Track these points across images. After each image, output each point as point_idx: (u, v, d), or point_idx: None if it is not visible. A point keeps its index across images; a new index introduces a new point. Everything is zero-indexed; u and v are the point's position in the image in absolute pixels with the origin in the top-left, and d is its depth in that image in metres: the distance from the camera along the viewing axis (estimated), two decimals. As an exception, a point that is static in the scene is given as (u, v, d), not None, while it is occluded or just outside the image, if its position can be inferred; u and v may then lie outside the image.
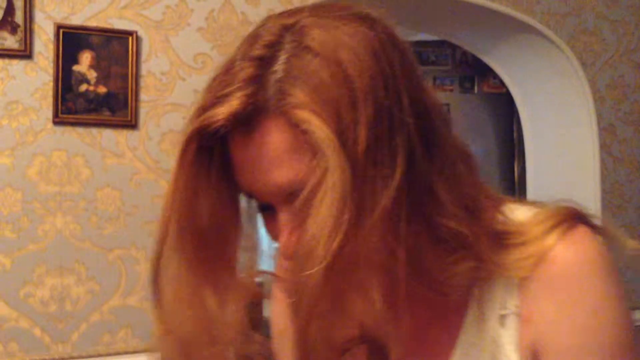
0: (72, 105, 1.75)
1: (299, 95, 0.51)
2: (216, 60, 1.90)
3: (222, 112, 0.52)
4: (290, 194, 0.54)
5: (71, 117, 1.75)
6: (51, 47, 1.73)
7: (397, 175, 0.52)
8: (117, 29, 1.80)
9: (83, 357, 1.73)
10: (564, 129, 2.43)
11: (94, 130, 1.78)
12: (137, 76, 1.81)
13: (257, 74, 0.53)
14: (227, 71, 0.54)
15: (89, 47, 1.78)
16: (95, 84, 1.78)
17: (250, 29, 1.92)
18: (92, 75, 1.78)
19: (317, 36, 0.53)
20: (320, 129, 0.50)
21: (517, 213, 0.62)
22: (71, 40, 1.75)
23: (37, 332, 1.70)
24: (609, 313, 0.58)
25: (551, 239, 0.58)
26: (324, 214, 0.50)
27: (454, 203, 0.55)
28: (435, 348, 0.63)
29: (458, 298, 0.60)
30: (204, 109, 0.54)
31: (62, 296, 1.73)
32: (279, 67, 0.52)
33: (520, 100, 2.60)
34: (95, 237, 1.77)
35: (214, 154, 0.57)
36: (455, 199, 0.56)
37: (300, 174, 0.52)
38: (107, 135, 1.79)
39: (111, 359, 1.77)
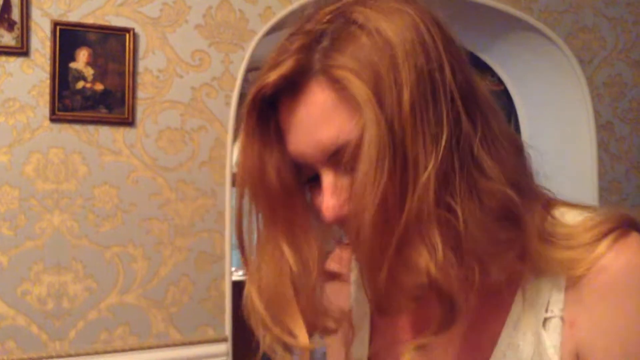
0: (69, 102, 1.75)
1: (340, 58, 0.56)
2: (214, 56, 1.90)
3: (272, 75, 0.58)
4: (333, 154, 0.58)
5: (68, 115, 1.75)
6: (48, 44, 1.73)
7: (445, 135, 0.55)
8: (114, 26, 1.79)
9: (80, 355, 1.73)
10: (561, 127, 2.43)
11: (91, 128, 1.77)
12: (134, 73, 1.81)
13: (306, 43, 0.58)
14: (281, 45, 0.60)
15: (86, 44, 1.77)
16: (92, 81, 1.78)
17: (248, 26, 1.91)
18: (89, 72, 1.77)
19: (361, 11, 0.58)
20: (358, 86, 0.54)
21: (568, 217, 0.63)
22: (68, 38, 1.75)
23: (34, 329, 1.70)
24: None
25: (603, 246, 0.59)
26: (365, 167, 0.54)
27: (499, 174, 0.58)
28: (477, 343, 0.65)
29: (504, 296, 0.62)
30: (259, 77, 0.60)
31: (59, 294, 1.73)
32: (325, 38, 0.58)
33: (518, 97, 2.60)
34: (93, 235, 1.76)
35: (270, 123, 0.62)
36: (500, 172, 0.58)
37: (342, 132, 0.57)
38: (104, 133, 1.78)
39: (109, 356, 1.76)
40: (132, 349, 1.78)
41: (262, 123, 0.62)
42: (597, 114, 2.38)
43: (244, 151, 0.63)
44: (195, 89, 1.88)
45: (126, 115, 1.80)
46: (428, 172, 0.54)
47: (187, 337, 1.85)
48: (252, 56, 1.95)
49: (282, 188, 0.63)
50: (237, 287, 3.89)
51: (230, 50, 1.92)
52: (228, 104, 1.92)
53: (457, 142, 0.56)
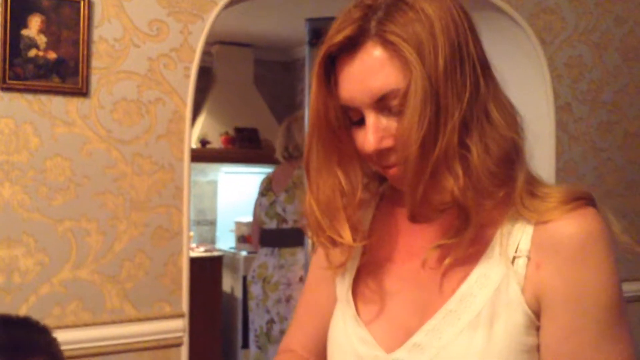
0: (20, 71, 1.69)
1: (392, 26, 0.74)
2: (172, 27, 1.85)
3: (338, 37, 0.76)
4: (379, 99, 0.76)
5: (19, 84, 1.69)
6: (-3, 9, 1.66)
7: (467, 93, 0.75)
8: (68, -8, 1.73)
9: (32, 330, 1.69)
10: (521, 106, 2.44)
11: (43, 98, 1.72)
12: (89, 42, 1.75)
13: (365, 14, 0.76)
14: (345, 14, 0.78)
15: (39, 10, 1.71)
16: (45, 50, 1.72)
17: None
18: (41, 40, 1.71)
19: None
20: (406, 49, 0.73)
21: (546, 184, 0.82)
22: (20, 3, 1.68)
23: (-17, 304, 1.65)
24: (607, 275, 0.74)
25: (570, 205, 0.76)
26: (412, 110, 0.72)
27: (504, 127, 0.77)
28: (458, 270, 0.80)
29: (486, 234, 0.79)
30: (328, 38, 0.78)
31: (10, 268, 1.68)
32: (380, 11, 0.76)
33: (480, 77, 2.60)
34: (45, 208, 1.72)
35: (331, 75, 0.80)
36: (504, 126, 0.77)
37: (389, 82, 0.75)
38: (57, 103, 1.73)
39: (61, 332, 1.72)
40: (85, 325, 1.75)
41: (326, 75, 0.80)
42: (556, 94, 2.40)
43: (313, 97, 0.81)
44: (153, 60, 1.83)
45: (80, 86, 1.74)
46: (455, 120, 0.73)
47: (143, 312, 1.82)
48: (212, 28, 1.91)
49: (337, 125, 0.81)
50: (201, 263, 3.85)
51: (189, 20, 1.87)
52: (187, 76, 1.88)
53: (476, 99, 0.76)
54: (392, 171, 0.79)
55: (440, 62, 0.73)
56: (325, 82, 0.80)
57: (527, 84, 2.42)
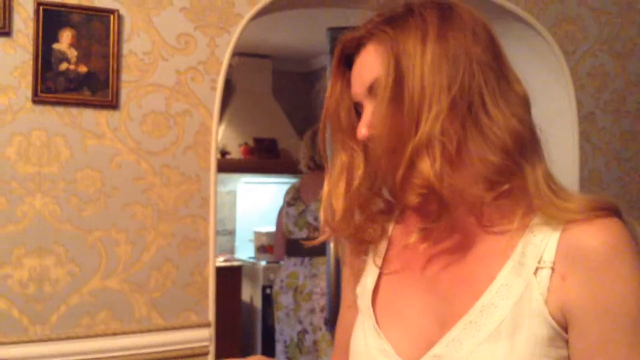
0: (51, 84, 1.72)
1: (387, 27, 0.81)
2: (199, 40, 1.88)
3: (349, 36, 0.86)
4: (368, 89, 0.82)
5: (51, 97, 1.72)
6: (31, 24, 1.70)
7: (457, 86, 0.77)
8: (98, 7, 1.77)
9: (62, 339, 1.72)
10: (544, 117, 2.44)
11: (74, 110, 1.75)
12: (119, 56, 1.78)
13: (376, 20, 0.84)
14: (365, 22, 0.85)
15: (70, 25, 1.75)
16: (76, 63, 1.75)
17: (234, 10, 1.89)
18: (72, 54, 1.75)
19: (425, 10, 0.82)
20: (390, 36, 0.80)
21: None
22: (51, 18, 1.72)
23: (15, 313, 1.68)
24: (635, 286, 0.73)
25: (596, 213, 0.75)
26: (380, 98, 0.79)
27: (504, 120, 0.78)
28: (478, 278, 0.80)
29: (509, 243, 0.78)
30: (341, 37, 0.87)
31: (41, 278, 1.71)
32: (391, 17, 0.82)
33: (502, 87, 2.60)
34: (75, 219, 1.75)
35: (345, 75, 0.88)
36: (504, 118, 0.78)
37: (374, 72, 0.81)
38: (88, 116, 1.76)
39: (90, 341, 1.76)
40: (114, 334, 1.77)
41: (342, 75, 0.87)
42: (579, 104, 2.40)
43: (327, 92, 0.87)
44: (181, 73, 1.86)
45: (110, 98, 1.77)
46: (437, 109, 0.76)
47: (170, 322, 1.84)
48: (238, 40, 1.93)
49: (348, 122, 0.87)
50: (220, 273, 3.84)
51: (216, 34, 1.90)
52: (213, 88, 1.90)
53: (468, 91, 0.77)
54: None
55: (428, 57, 0.77)
56: (341, 80, 0.87)
57: (550, 93, 2.42)
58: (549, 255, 0.76)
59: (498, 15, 2.36)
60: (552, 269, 0.76)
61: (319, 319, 3.19)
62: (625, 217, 0.78)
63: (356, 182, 0.86)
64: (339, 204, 0.86)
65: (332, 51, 2.75)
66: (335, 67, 0.87)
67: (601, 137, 2.45)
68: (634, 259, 0.74)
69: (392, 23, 0.81)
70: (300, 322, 3.27)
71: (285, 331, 3.37)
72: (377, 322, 0.86)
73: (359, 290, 0.93)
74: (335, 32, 2.73)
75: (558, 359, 0.75)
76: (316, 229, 3.29)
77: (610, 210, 0.77)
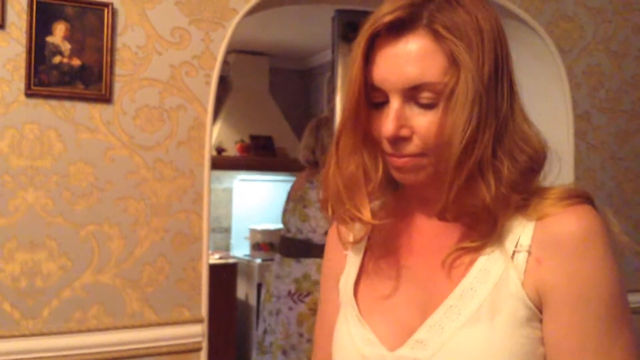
0: (45, 77, 1.71)
1: (446, 22, 0.75)
2: (194, 34, 1.87)
3: (389, 17, 0.77)
4: (411, 88, 0.76)
5: (44, 90, 1.71)
6: (24, 17, 1.69)
7: (505, 107, 0.77)
8: (92, 0, 1.76)
9: (54, 334, 1.71)
10: (540, 115, 2.44)
11: (67, 104, 1.74)
12: (112, 49, 1.78)
13: (419, 2, 0.77)
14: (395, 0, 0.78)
15: (63, 18, 1.74)
16: (69, 56, 1.74)
17: (229, 4, 1.89)
18: (66, 47, 1.74)
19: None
20: (459, 46, 0.74)
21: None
22: (45, 11, 1.71)
23: (6, 307, 1.67)
24: (607, 271, 0.75)
25: (568, 201, 0.78)
26: (461, 109, 0.74)
27: (530, 140, 0.80)
28: (459, 265, 0.81)
29: (487, 228, 0.79)
30: (377, 17, 0.78)
31: (33, 272, 1.70)
32: (434, 3, 0.77)
33: (498, 85, 2.60)
34: (67, 213, 1.74)
35: (368, 54, 0.80)
36: (530, 138, 0.80)
37: (428, 74, 0.75)
38: (81, 109, 1.75)
39: (82, 335, 1.75)
40: (106, 329, 1.77)
41: (365, 58, 0.79)
42: (575, 103, 2.40)
43: (356, 71, 0.79)
44: (175, 67, 1.85)
45: (103, 92, 1.77)
46: (492, 130, 0.76)
47: (163, 317, 1.83)
48: (233, 35, 1.93)
49: (366, 103, 0.81)
50: (215, 270, 3.81)
51: (211, 28, 1.90)
52: (208, 83, 1.90)
53: (511, 113, 0.78)
54: (403, 161, 0.80)
55: (486, 70, 0.75)
56: (365, 65, 0.80)
57: (545, 92, 2.42)
58: (526, 240, 0.78)
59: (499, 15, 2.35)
60: (529, 252, 0.78)
61: (274, 322, 3.14)
62: (599, 206, 0.80)
63: (374, 185, 0.85)
64: (364, 206, 0.84)
65: (345, 36, 2.66)
66: (364, 47, 0.79)
67: (596, 136, 2.45)
68: (606, 244, 0.76)
69: (446, 15, 0.76)
70: (264, 320, 3.26)
71: (259, 327, 3.37)
72: (360, 312, 0.87)
73: (341, 283, 0.94)
74: (345, 15, 2.67)
75: (536, 339, 0.77)
76: (288, 229, 3.26)
77: (584, 198, 0.79)
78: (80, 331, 1.74)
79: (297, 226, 3.20)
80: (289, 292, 3.09)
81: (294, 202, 3.21)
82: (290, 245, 3.20)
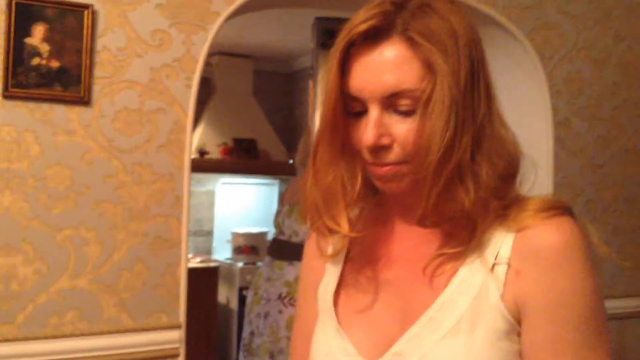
0: (23, 79, 1.69)
1: (420, 28, 0.75)
2: (175, 37, 1.86)
3: (363, 26, 0.76)
4: (390, 96, 0.76)
5: (22, 92, 1.69)
6: (3, 18, 1.66)
7: (481, 111, 0.77)
8: (72, 1, 1.74)
9: (29, 340, 1.69)
10: (520, 121, 2.46)
11: (45, 106, 1.72)
12: (92, 51, 1.76)
13: (392, 10, 0.77)
14: (369, 7, 0.78)
15: (43, 19, 1.72)
16: (48, 58, 1.72)
17: (211, 7, 1.88)
18: (44, 48, 1.72)
19: (437, 2, 0.78)
20: (434, 53, 0.74)
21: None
22: (24, 12, 1.69)
23: (-20, 312, 1.64)
24: (585, 283, 0.75)
25: (548, 213, 0.77)
26: (438, 115, 0.74)
27: (508, 144, 0.80)
28: (435, 278, 0.81)
29: (467, 234, 0.79)
30: (351, 26, 0.77)
31: (8, 276, 1.68)
32: (407, 11, 0.76)
33: (480, 91, 2.61)
34: (44, 216, 1.71)
35: (344, 64, 0.79)
36: (511, 144, 0.80)
37: (405, 81, 0.75)
38: (59, 112, 1.73)
39: (58, 341, 1.72)
40: (82, 334, 1.74)
41: (341, 66, 0.79)
42: (555, 109, 2.41)
43: (332, 81, 0.79)
44: (155, 70, 1.84)
45: (82, 94, 1.75)
46: (469, 134, 0.75)
47: (140, 323, 1.82)
48: (215, 39, 1.91)
49: (343, 113, 0.80)
50: (196, 274, 3.78)
51: (192, 31, 1.88)
52: (189, 86, 1.88)
53: (488, 118, 0.78)
54: (384, 170, 0.79)
55: (462, 75, 0.75)
56: (341, 73, 0.79)
57: (526, 99, 2.43)
58: (505, 252, 0.78)
59: (475, 20, 2.36)
60: (508, 264, 0.77)
61: (262, 324, 3.13)
62: (578, 217, 0.80)
63: (352, 196, 0.84)
64: (341, 218, 0.84)
65: (324, 43, 2.68)
66: (339, 57, 0.78)
67: (576, 142, 2.47)
68: (586, 256, 0.76)
69: (421, 22, 0.75)
70: (250, 323, 3.24)
71: (245, 329, 3.34)
72: (339, 323, 0.86)
73: (320, 292, 0.93)
74: (324, 23, 2.68)
75: (514, 352, 0.77)
76: (282, 232, 3.24)
77: (563, 210, 0.79)
78: (55, 337, 1.72)
79: (293, 229, 3.17)
80: (280, 295, 3.08)
81: (291, 204, 3.20)
82: (284, 248, 3.18)
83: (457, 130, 0.74)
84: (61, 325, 1.73)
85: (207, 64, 1.85)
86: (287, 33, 4.58)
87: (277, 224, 3.27)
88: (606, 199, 2.52)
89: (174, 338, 1.85)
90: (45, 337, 1.71)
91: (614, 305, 2.39)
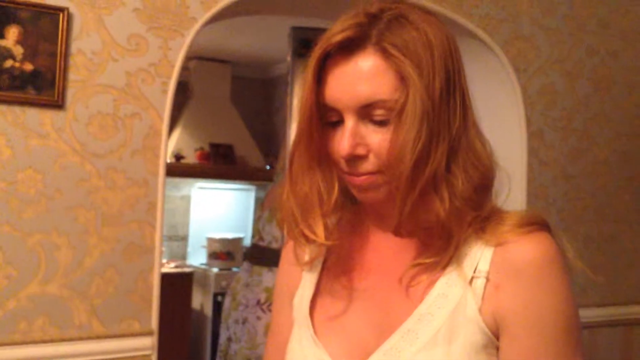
0: (-5, 81, 1.67)
1: (395, 40, 0.76)
2: (152, 42, 1.85)
3: (338, 37, 0.77)
4: (364, 106, 0.77)
5: (-7, 94, 1.66)
6: (-26, 18, 1.64)
7: (457, 121, 0.78)
8: (47, 4, 1.72)
9: (-3, 345, 1.66)
10: (494, 132, 2.48)
11: (18, 109, 1.70)
12: (67, 54, 1.74)
13: (367, 21, 0.78)
14: (345, 19, 0.79)
15: (17, 21, 1.70)
16: (22, 61, 1.70)
17: (189, 13, 1.88)
18: (18, 51, 1.69)
19: (412, 13, 0.79)
20: (407, 65, 0.75)
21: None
22: (-3, 13, 1.67)
23: (-54, 318, 1.61)
24: (563, 297, 0.76)
25: (526, 229, 0.78)
26: (409, 126, 0.74)
27: (483, 157, 0.80)
28: (413, 289, 0.81)
29: (442, 244, 0.79)
30: (327, 37, 0.79)
31: (-24, 281, 1.65)
32: (382, 22, 0.77)
33: (456, 101, 2.63)
34: (14, 221, 1.69)
35: (320, 74, 0.80)
36: (486, 155, 0.80)
37: (379, 92, 0.76)
38: (32, 115, 1.71)
39: (27, 347, 1.70)
40: (52, 341, 1.72)
41: (317, 76, 0.80)
42: (528, 121, 2.45)
43: (308, 91, 0.80)
44: (131, 74, 1.82)
45: (55, 98, 1.73)
46: (444, 144, 0.76)
47: (111, 329, 1.79)
48: (192, 44, 1.91)
49: (319, 123, 0.81)
50: (170, 279, 3.75)
51: (169, 36, 1.87)
52: (165, 91, 1.87)
53: (463, 128, 0.78)
54: (360, 180, 0.80)
55: (437, 85, 0.76)
56: (317, 84, 0.80)
57: (500, 110, 2.46)
58: (484, 265, 0.78)
59: (451, 31, 2.39)
60: (487, 278, 0.78)
61: (240, 330, 3.11)
62: (554, 231, 0.81)
63: (329, 205, 0.84)
64: (318, 227, 0.84)
65: (300, 52, 2.70)
66: (315, 68, 0.79)
67: (549, 153, 2.50)
68: (564, 271, 0.77)
69: (395, 33, 0.76)
70: (228, 328, 3.22)
71: (221, 335, 3.32)
72: (315, 332, 0.86)
73: (295, 301, 0.93)
74: (299, 32, 2.69)
75: None
76: (262, 237, 3.23)
77: (541, 225, 0.80)
78: (24, 343, 1.69)
79: (273, 235, 3.16)
80: (258, 301, 3.06)
81: (271, 210, 3.19)
82: (263, 254, 3.17)
83: (431, 141, 0.75)
84: (30, 331, 1.70)
85: (185, 68, 1.84)
86: (265, 39, 4.58)
87: (257, 230, 3.26)
88: (578, 209, 2.56)
89: (146, 345, 1.83)
90: (14, 343, 1.68)
91: (585, 314, 2.42)
